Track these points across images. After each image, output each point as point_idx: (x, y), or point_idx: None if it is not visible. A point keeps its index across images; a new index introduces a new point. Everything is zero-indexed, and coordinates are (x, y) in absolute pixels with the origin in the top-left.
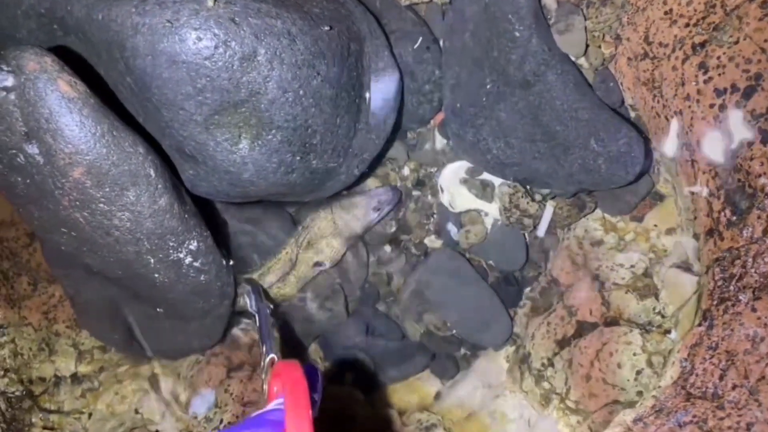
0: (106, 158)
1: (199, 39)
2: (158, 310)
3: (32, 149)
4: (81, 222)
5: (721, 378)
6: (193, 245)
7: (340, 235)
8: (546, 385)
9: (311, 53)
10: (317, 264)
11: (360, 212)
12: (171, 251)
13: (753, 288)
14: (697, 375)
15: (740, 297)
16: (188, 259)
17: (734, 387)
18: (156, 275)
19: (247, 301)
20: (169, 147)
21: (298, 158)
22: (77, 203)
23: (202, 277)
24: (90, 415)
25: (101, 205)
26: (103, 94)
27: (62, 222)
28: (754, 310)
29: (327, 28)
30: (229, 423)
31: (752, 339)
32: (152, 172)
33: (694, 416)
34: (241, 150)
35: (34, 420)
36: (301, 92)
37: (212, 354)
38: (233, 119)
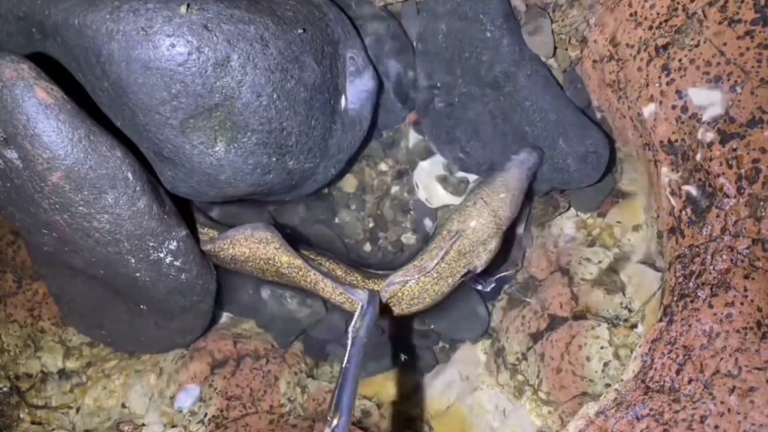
0: (83, 162)
1: (173, 45)
2: (141, 307)
3: (11, 154)
4: (61, 224)
5: (678, 372)
6: (173, 245)
7: (499, 229)
8: (520, 377)
9: (284, 57)
10: (469, 272)
11: (513, 193)
12: (151, 251)
13: (711, 285)
14: (655, 369)
15: (699, 293)
16: (168, 259)
17: (690, 381)
18: (137, 274)
19: (355, 317)
20: (148, 150)
21: (274, 159)
22: (57, 206)
23: (183, 276)
24: (78, 409)
25: (80, 208)
26: (82, 98)
27: (43, 224)
28: (710, 306)
29: (300, 31)
30: (213, 416)
31: (708, 334)
32: (130, 176)
33: (651, 409)
34: (217, 152)
35: (21, 415)
36: (274, 96)
37: (196, 349)
38: (208, 123)
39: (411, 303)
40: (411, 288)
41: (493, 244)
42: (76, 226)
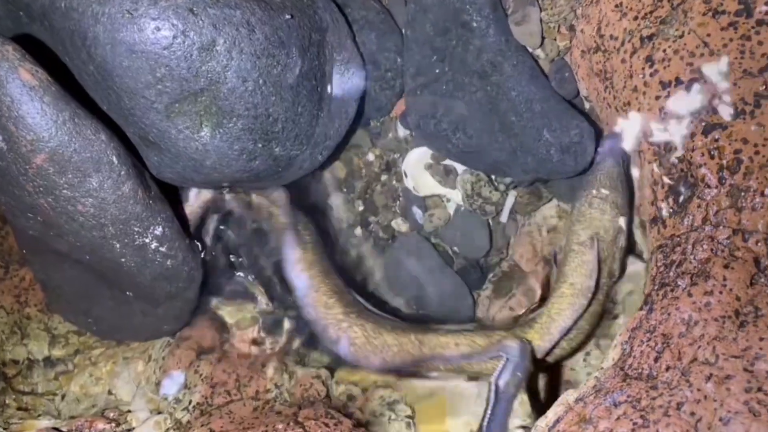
0: (67, 145)
1: (158, 29)
2: (127, 293)
3: None
4: (46, 207)
5: (656, 360)
6: (158, 231)
7: (624, 218)
8: None
9: (271, 43)
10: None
11: (620, 179)
12: (136, 236)
13: (691, 274)
14: (634, 357)
15: (679, 282)
16: (154, 244)
17: (668, 368)
18: (122, 259)
19: (498, 372)
20: (133, 134)
21: (260, 146)
22: (41, 189)
23: (168, 262)
24: (63, 396)
25: (65, 191)
26: (68, 81)
27: (28, 207)
28: (690, 295)
29: (288, 17)
30: (198, 403)
31: (687, 323)
32: (115, 159)
33: (629, 396)
34: (202, 137)
35: (8, 401)
36: (260, 81)
37: (182, 337)
38: (194, 107)
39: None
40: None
41: (622, 241)
42: (61, 210)
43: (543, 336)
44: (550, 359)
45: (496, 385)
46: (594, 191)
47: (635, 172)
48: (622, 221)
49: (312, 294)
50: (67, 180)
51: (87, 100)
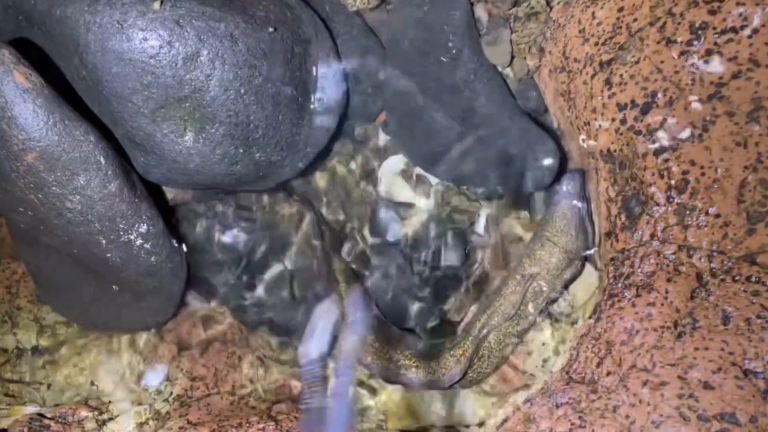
0: (57, 145)
1: (145, 39)
2: (114, 287)
3: None
4: (36, 203)
5: (598, 365)
6: (143, 228)
7: (572, 261)
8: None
9: (253, 54)
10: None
11: (575, 224)
12: (122, 233)
13: (637, 286)
14: (579, 362)
15: (625, 293)
16: (139, 241)
17: (608, 373)
18: (108, 255)
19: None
20: (122, 136)
21: (241, 151)
22: (31, 185)
23: (153, 258)
24: (49, 385)
25: (53, 188)
26: (62, 84)
27: (19, 202)
28: (633, 305)
29: (271, 30)
30: (178, 395)
31: (629, 331)
32: (102, 159)
33: (570, 398)
34: (186, 141)
35: None
36: (242, 90)
37: (166, 330)
38: (178, 113)
39: (499, 348)
40: (495, 335)
41: (568, 274)
42: (50, 206)
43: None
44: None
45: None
46: (547, 233)
47: (593, 188)
48: (569, 264)
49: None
50: (56, 178)
51: (79, 102)
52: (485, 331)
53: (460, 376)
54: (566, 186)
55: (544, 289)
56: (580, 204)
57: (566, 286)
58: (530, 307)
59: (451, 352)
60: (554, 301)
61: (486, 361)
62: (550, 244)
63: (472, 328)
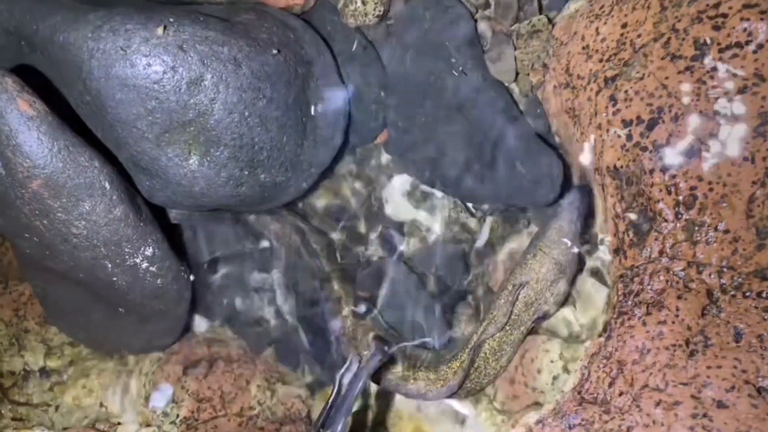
0: (62, 172)
1: (149, 65)
2: (120, 310)
3: None
4: (41, 229)
5: (610, 385)
6: (149, 251)
7: (563, 274)
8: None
9: (257, 77)
10: (541, 317)
11: (570, 237)
12: (127, 257)
13: (647, 304)
14: (591, 382)
15: (635, 311)
16: (144, 264)
17: (621, 393)
18: (114, 278)
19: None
20: (127, 161)
21: (246, 173)
22: (37, 212)
23: (158, 281)
24: (57, 407)
25: (59, 214)
26: (66, 110)
27: (25, 228)
28: (644, 324)
29: (274, 52)
30: (185, 417)
31: (640, 350)
32: (107, 185)
33: (583, 419)
34: (191, 165)
35: (3, 411)
36: (246, 113)
37: (171, 352)
38: (183, 137)
39: (495, 359)
40: (490, 345)
41: (561, 288)
42: (55, 232)
43: (457, 372)
44: (487, 373)
45: (340, 382)
46: (540, 243)
47: (600, 204)
48: (559, 274)
49: None
50: (61, 204)
51: (83, 127)
52: (480, 341)
53: (457, 388)
54: (568, 200)
55: (534, 297)
56: (576, 220)
57: (561, 304)
58: (523, 316)
59: (449, 364)
60: (548, 315)
61: (483, 371)
62: (542, 254)
63: (469, 339)
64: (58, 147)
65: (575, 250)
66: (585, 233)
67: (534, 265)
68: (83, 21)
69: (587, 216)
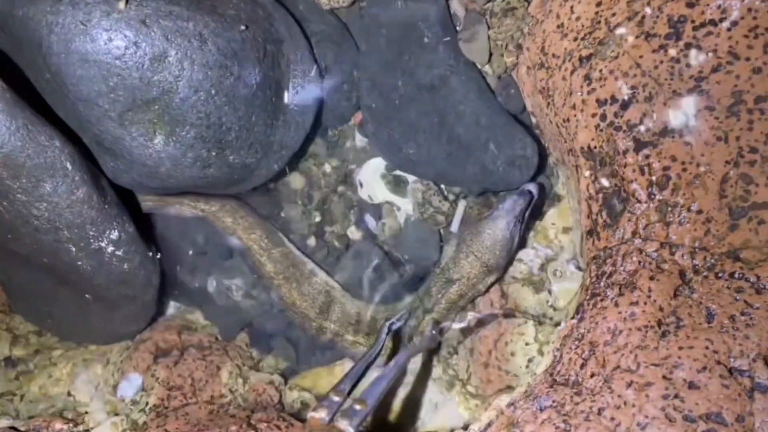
0: (21, 151)
1: (110, 40)
2: (86, 296)
3: None
4: (1, 210)
5: (582, 367)
6: (114, 235)
7: (491, 273)
8: (451, 371)
9: (223, 54)
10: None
11: (501, 243)
12: (92, 240)
13: (620, 285)
14: (563, 364)
15: (608, 293)
16: (110, 248)
17: (592, 375)
18: (79, 263)
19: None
20: (90, 141)
21: (213, 154)
22: None
23: (125, 266)
24: (22, 397)
25: (19, 195)
26: (26, 88)
27: None
28: (617, 305)
29: (242, 28)
30: (154, 405)
31: (612, 332)
32: (69, 165)
33: (554, 401)
34: (156, 145)
35: None
36: (213, 91)
37: (141, 340)
38: (147, 115)
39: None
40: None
41: (490, 280)
42: (16, 214)
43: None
44: None
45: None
46: (474, 246)
47: (574, 185)
48: (487, 273)
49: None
50: (21, 185)
51: (44, 106)
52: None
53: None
54: (507, 204)
55: (465, 291)
56: (512, 225)
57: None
58: (451, 306)
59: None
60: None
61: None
62: (474, 258)
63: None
64: (17, 125)
65: (505, 254)
66: (531, 225)
67: (465, 267)
68: None
69: (536, 208)
